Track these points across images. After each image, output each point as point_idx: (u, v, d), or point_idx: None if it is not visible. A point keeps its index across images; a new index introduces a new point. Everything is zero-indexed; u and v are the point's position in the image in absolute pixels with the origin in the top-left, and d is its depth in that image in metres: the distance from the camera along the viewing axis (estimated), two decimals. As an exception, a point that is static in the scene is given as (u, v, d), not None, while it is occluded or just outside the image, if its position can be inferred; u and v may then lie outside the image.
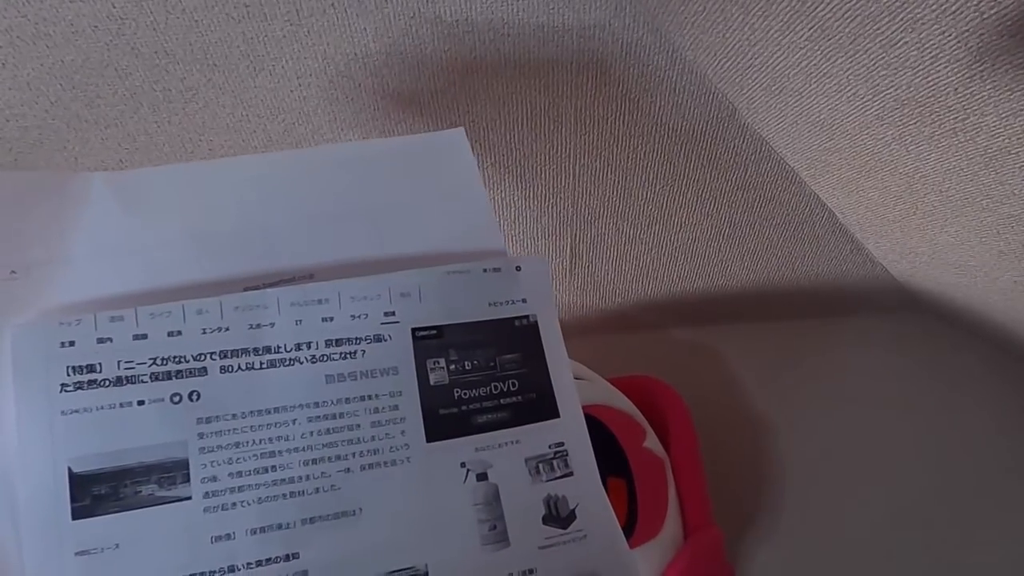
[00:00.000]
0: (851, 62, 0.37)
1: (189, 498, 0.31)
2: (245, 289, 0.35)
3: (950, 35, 0.32)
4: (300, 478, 0.32)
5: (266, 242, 0.37)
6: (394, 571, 0.32)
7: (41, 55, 0.43)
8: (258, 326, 0.34)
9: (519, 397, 0.36)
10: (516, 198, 0.56)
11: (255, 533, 0.31)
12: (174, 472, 0.31)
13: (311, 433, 0.33)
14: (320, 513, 0.32)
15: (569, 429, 0.36)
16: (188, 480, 0.31)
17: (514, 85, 0.48)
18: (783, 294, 0.67)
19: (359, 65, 0.46)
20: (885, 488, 0.65)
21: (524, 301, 0.38)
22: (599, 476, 0.36)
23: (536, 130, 0.51)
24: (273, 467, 0.32)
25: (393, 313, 0.36)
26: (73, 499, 0.30)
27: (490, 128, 0.51)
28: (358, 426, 0.33)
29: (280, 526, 0.31)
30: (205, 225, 0.37)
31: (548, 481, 0.35)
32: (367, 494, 0.33)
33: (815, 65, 0.39)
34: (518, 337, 0.37)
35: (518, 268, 0.38)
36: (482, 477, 0.34)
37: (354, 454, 0.33)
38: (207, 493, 0.31)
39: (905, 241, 0.55)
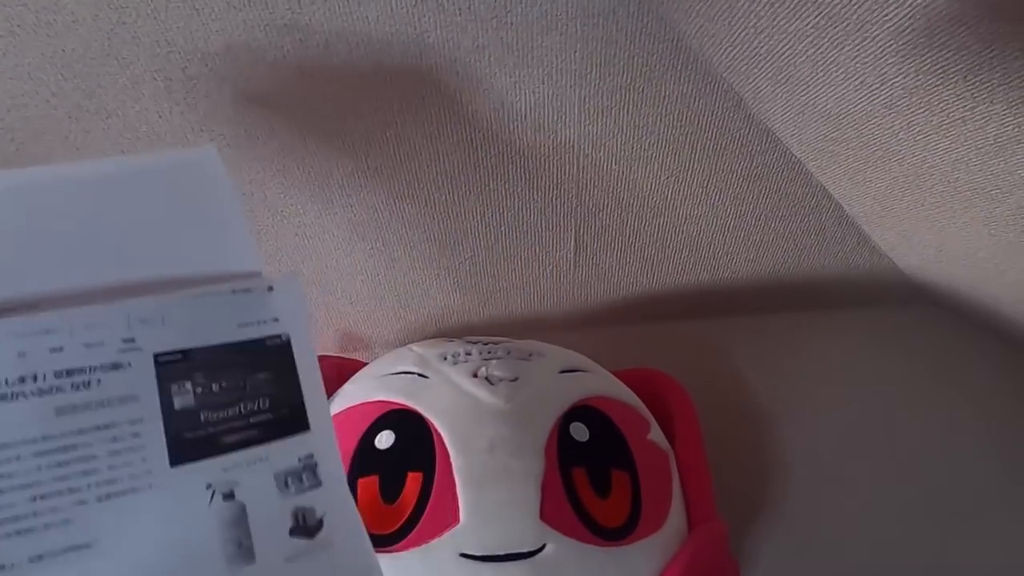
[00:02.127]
0: (858, 50, 0.37)
1: None
2: None
3: (959, 22, 0.31)
4: (26, 515, 0.30)
5: None
6: None
7: (42, 44, 0.43)
8: None
9: (270, 415, 0.36)
10: (520, 188, 0.56)
11: None
12: None
13: (39, 468, 0.31)
14: (48, 549, 0.30)
15: (319, 441, 0.36)
16: None
17: (517, 75, 0.48)
18: (788, 286, 0.66)
19: (364, 55, 0.46)
20: (890, 481, 0.64)
21: (276, 320, 0.37)
22: (347, 484, 0.36)
23: (539, 121, 0.51)
24: None
25: (133, 340, 0.34)
26: None
27: (492, 119, 0.51)
28: (94, 456, 0.32)
29: (3, 567, 0.30)
30: None
31: (297, 494, 0.35)
32: (103, 525, 0.31)
33: (822, 53, 0.39)
34: (269, 356, 0.37)
35: (270, 288, 0.38)
36: (228, 496, 0.34)
37: (89, 485, 0.32)
38: None
39: (912, 233, 0.55)
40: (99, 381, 0.33)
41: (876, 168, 0.47)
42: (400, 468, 0.46)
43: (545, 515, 0.44)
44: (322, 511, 0.35)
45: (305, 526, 0.35)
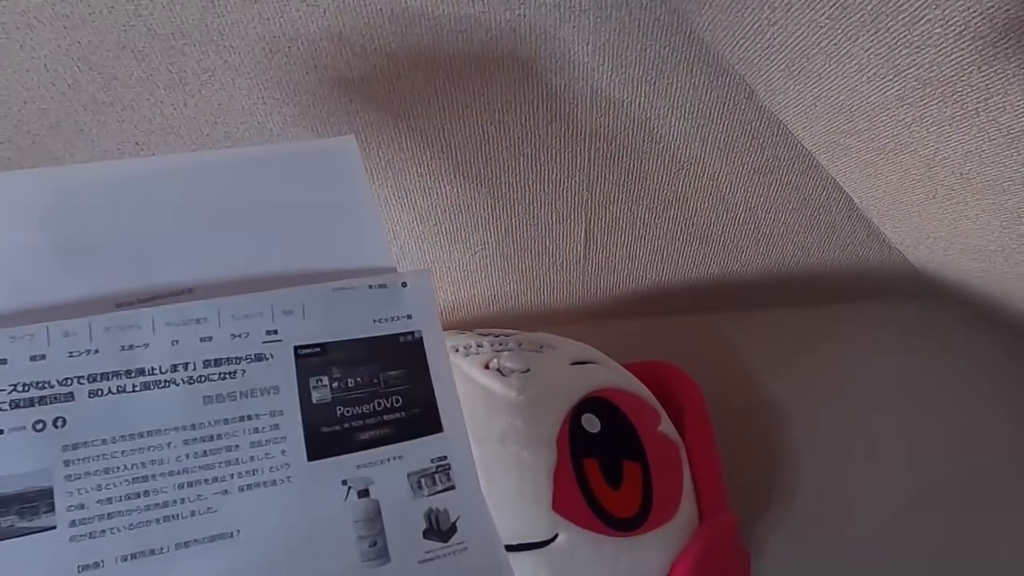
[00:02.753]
0: (872, 41, 0.37)
1: (54, 527, 0.30)
2: (117, 307, 0.34)
3: (975, 11, 0.31)
4: (175, 501, 0.32)
5: (140, 255, 0.36)
6: None
7: (58, 36, 0.43)
8: (131, 347, 0.33)
9: (403, 413, 0.36)
10: (530, 181, 0.56)
11: (126, 560, 0.30)
12: (37, 501, 0.30)
13: (187, 456, 0.32)
14: (195, 536, 0.31)
15: (452, 443, 0.36)
16: (53, 509, 0.30)
17: (530, 67, 0.48)
18: (799, 280, 0.66)
19: (374, 46, 0.46)
20: (900, 474, 0.64)
21: (409, 317, 0.38)
22: (480, 487, 0.36)
23: (551, 112, 0.51)
24: (146, 492, 0.31)
25: (276, 331, 0.35)
26: None
27: (505, 111, 0.51)
28: (237, 447, 0.33)
29: (153, 551, 0.31)
30: (73, 235, 0.35)
31: (430, 495, 0.35)
32: (245, 515, 0.32)
33: (835, 45, 0.39)
34: (403, 353, 0.37)
35: (404, 284, 0.38)
36: (363, 494, 0.34)
37: (232, 475, 0.32)
38: (73, 521, 0.30)
39: (923, 226, 0.55)
40: (244, 372, 0.34)
41: (888, 160, 0.47)
42: (413, 458, 0.46)
43: (557, 505, 0.44)
44: (456, 514, 0.35)
45: (439, 529, 0.35)
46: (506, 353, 0.51)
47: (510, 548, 0.43)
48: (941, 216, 0.51)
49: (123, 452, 0.32)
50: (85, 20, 0.42)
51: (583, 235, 0.60)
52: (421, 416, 0.36)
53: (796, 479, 0.64)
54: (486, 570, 0.35)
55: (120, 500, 0.31)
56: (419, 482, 0.35)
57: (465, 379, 0.50)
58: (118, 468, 0.31)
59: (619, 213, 0.59)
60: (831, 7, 0.36)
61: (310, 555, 0.32)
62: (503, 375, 0.49)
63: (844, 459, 0.65)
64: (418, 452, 0.36)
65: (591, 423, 0.49)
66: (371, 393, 0.36)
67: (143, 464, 0.32)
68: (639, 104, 0.51)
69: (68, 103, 0.46)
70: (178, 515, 0.31)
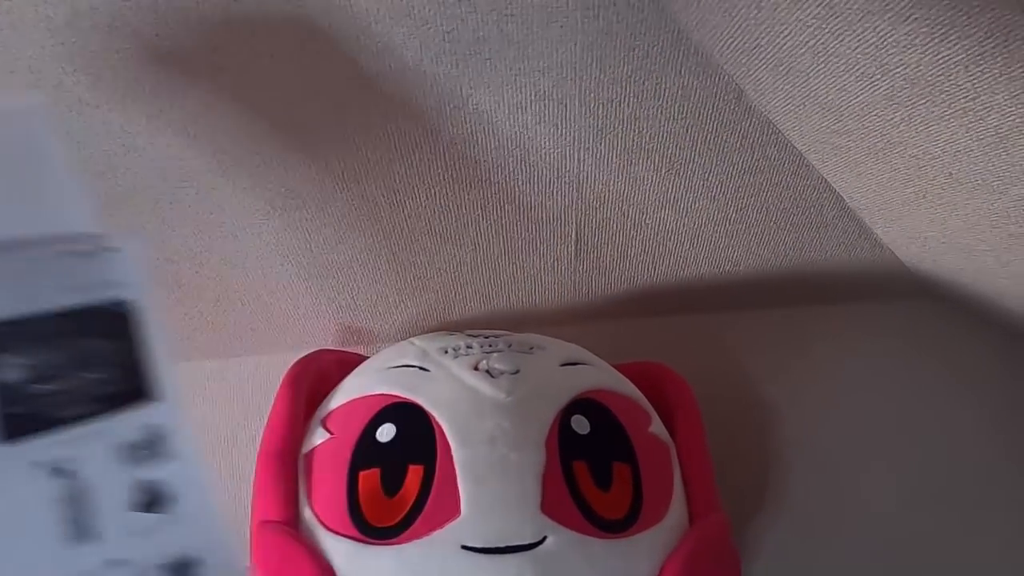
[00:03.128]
0: (859, 40, 0.37)
1: None
2: None
3: (961, 11, 0.31)
4: None
5: None
6: None
7: (42, 38, 0.43)
8: None
9: (111, 386, 0.34)
10: (520, 181, 0.55)
11: None
12: None
13: None
14: None
15: (167, 412, 0.35)
16: None
17: (517, 67, 0.48)
18: (790, 280, 0.66)
19: (361, 45, 0.46)
20: (892, 475, 0.64)
21: (117, 284, 0.35)
22: (198, 456, 0.35)
23: (540, 114, 0.51)
24: None
25: None
26: None
27: (494, 111, 0.50)
28: None
29: None
30: None
31: (143, 467, 0.34)
32: None
33: (823, 44, 0.39)
34: (110, 323, 0.35)
35: (110, 249, 0.35)
36: (66, 474, 0.32)
37: None
38: None
39: (914, 225, 0.55)
40: None
41: (877, 160, 0.47)
42: (401, 461, 0.46)
43: (546, 507, 0.44)
44: (171, 485, 0.34)
45: (151, 500, 0.33)
46: (495, 354, 0.51)
47: (498, 551, 0.43)
48: (931, 215, 0.51)
49: None
50: (69, 22, 0.42)
51: (574, 235, 0.60)
52: (133, 387, 0.34)
53: (788, 479, 0.64)
54: (202, 539, 0.34)
55: None
56: (130, 454, 0.33)
57: (454, 380, 0.50)
58: None
59: (610, 213, 0.59)
60: (817, 6, 0.36)
61: (6, 543, 0.30)
62: (492, 376, 0.49)
63: (836, 459, 0.65)
64: (128, 424, 0.34)
65: (581, 425, 0.49)
66: (73, 368, 0.33)
67: None
68: (628, 104, 0.51)
69: (53, 105, 0.46)
70: None
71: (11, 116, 0.35)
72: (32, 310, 0.33)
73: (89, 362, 0.34)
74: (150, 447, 0.34)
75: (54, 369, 0.33)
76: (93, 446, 0.33)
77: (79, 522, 0.32)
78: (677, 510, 0.50)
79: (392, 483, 0.46)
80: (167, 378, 0.35)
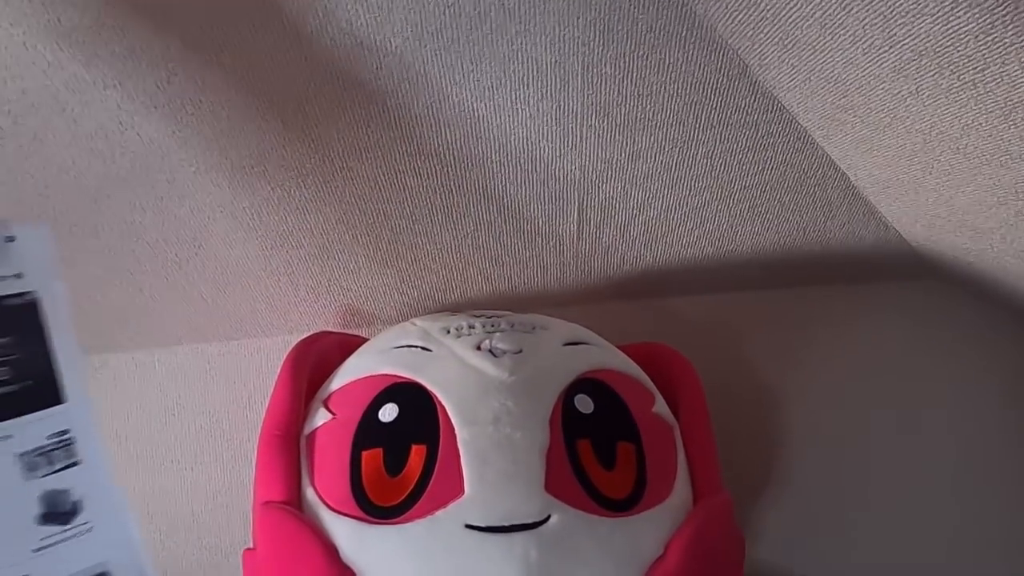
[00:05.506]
0: (867, 11, 0.36)
1: None
2: None
3: (972, -23, 0.31)
4: None
5: None
6: None
7: (36, 13, 0.42)
8: None
9: (13, 386, 0.32)
10: (523, 160, 0.55)
11: None
12: None
13: None
14: None
15: (74, 414, 0.33)
16: None
17: (519, 42, 0.47)
18: (794, 260, 0.66)
19: (360, 21, 0.45)
20: (896, 455, 0.64)
21: (19, 276, 0.33)
22: (108, 462, 0.33)
23: (542, 90, 0.50)
24: None
25: None
26: None
27: (496, 88, 0.50)
28: None
29: None
30: None
31: (47, 475, 0.31)
32: None
33: (829, 15, 0.38)
34: (11, 318, 0.32)
35: (10, 238, 0.33)
36: None
37: None
38: None
39: (920, 203, 0.54)
40: None
41: (883, 135, 0.47)
42: (404, 441, 0.46)
43: (550, 486, 0.44)
44: (79, 493, 0.32)
45: (58, 512, 0.31)
46: (498, 334, 0.51)
47: (502, 529, 0.43)
48: (938, 192, 0.50)
49: None
50: None
51: (576, 215, 0.60)
52: (35, 388, 0.32)
53: (791, 459, 0.64)
54: (113, 548, 0.32)
55: None
56: (33, 462, 0.31)
57: (457, 361, 0.49)
58: None
59: (612, 193, 0.58)
60: (825, -24, 0.35)
61: None
62: (495, 356, 0.49)
63: (840, 439, 0.65)
64: (32, 428, 0.32)
65: (584, 404, 0.48)
66: None
67: None
68: (631, 80, 0.50)
69: (49, 82, 0.46)
70: None
71: None
72: None
73: None
74: (57, 453, 0.32)
75: None
76: None
77: None
78: (681, 490, 0.50)
79: (395, 463, 0.45)
80: (73, 377, 0.33)
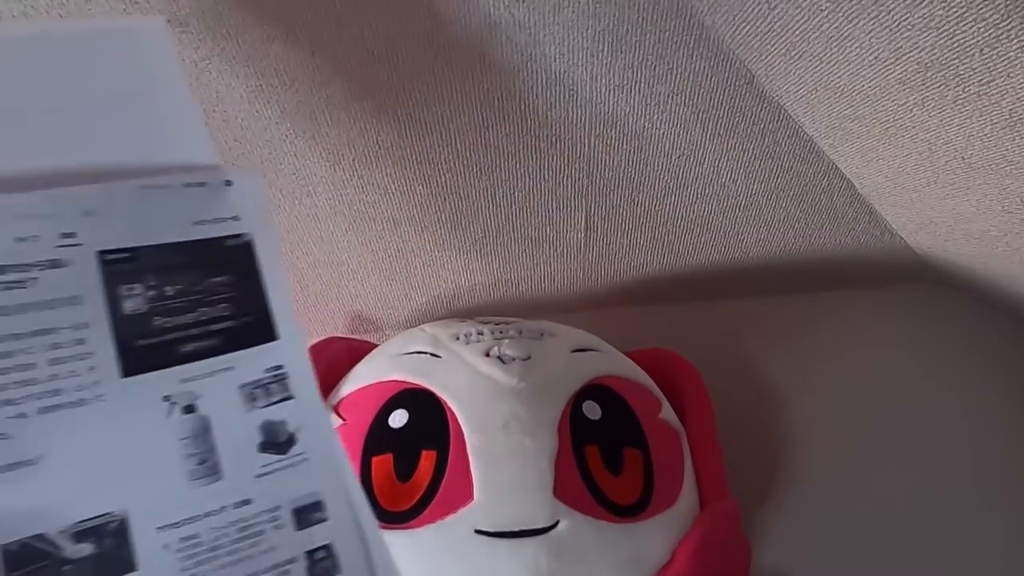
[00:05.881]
0: (874, 24, 0.36)
1: None
2: None
3: (977, -7, 0.31)
4: None
5: None
6: (83, 520, 0.29)
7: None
8: None
9: (232, 322, 0.33)
10: (531, 168, 0.55)
11: None
12: None
13: None
14: None
15: (288, 351, 0.34)
16: None
17: (528, 52, 0.48)
18: (800, 266, 0.66)
19: (372, 32, 0.45)
20: (902, 461, 0.64)
21: (236, 219, 0.34)
22: (320, 396, 0.34)
23: (550, 100, 0.51)
24: None
25: (73, 234, 0.31)
26: None
27: (505, 97, 0.50)
28: (33, 365, 0.29)
29: None
30: None
31: (265, 407, 0.33)
32: (49, 440, 0.29)
33: (836, 28, 0.38)
34: (229, 258, 0.34)
35: (228, 182, 0.34)
36: (189, 410, 0.31)
37: (29, 397, 0.29)
38: None
39: (925, 211, 0.54)
40: (35, 280, 0.30)
41: (889, 145, 0.47)
42: (414, 446, 0.47)
43: (558, 492, 0.45)
44: (294, 425, 0.33)
45: (275, 441, 0.33)
46: (507, 341, 0.51)
47: (511, 535, 0.43)
48: (943, 201, 0.51)
49: None
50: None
51: (583, 223, 0.60)
52: (252, 324, 0.34)
53: (798, 466, 0.64)
54: (329, 481, 0.33)
55: None
56: (252, 394, 0.33)
57: (466, 367, 0.50)
58: None
59: (620, 200, 0.59)
60: (832, -10, 0.36)
61: (131, 478, 0.30)
62: (504, 363, 0.49)
63: (845, 445, 0.65)
64: (250, 362, 0.33)
65: (592, 410, 0.49)
66: (194, 301, 0.33)
67: None
68: (639, 90, 0.51)
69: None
70: None
71: (133, 35, 0.34)
72: (152, 241, 0.33)
73: (209, 297, 0.33)
74: (273, 387, 0.33)
75: (175, 302, 0.32)
76: (215, 384, 0.32)
77: (203, 460, 0.31)
78: (688, 496, 0.50)
79: (405, 468, 0.46)
80: (285, 316, 0.34)
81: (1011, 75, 0.35)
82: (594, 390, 0.50)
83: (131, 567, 0.29)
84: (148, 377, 0.31)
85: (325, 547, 0.32)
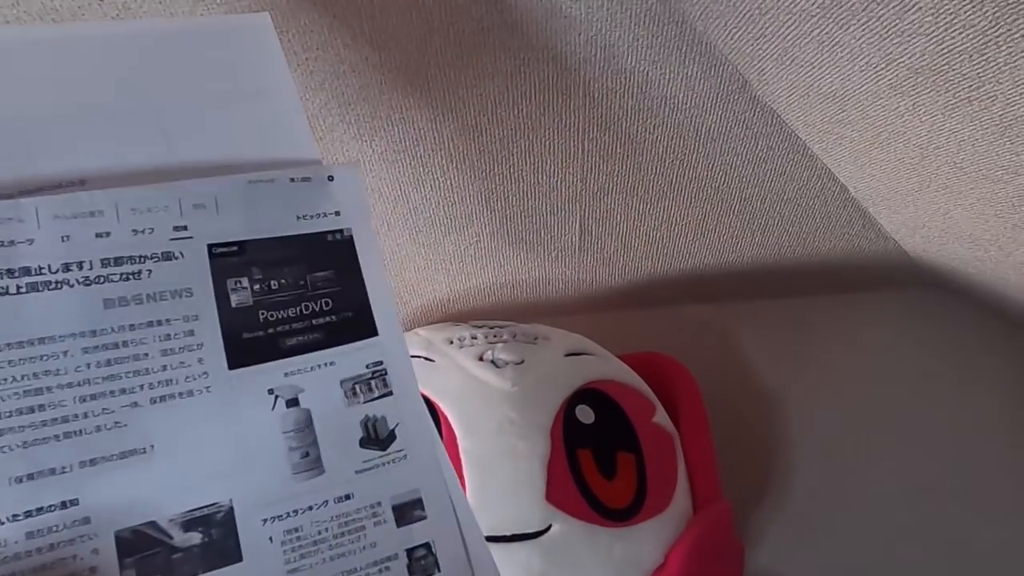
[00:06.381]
0: (864, 30, 0.37)
1: None
2: None
3: (965, 0, 0.31)
4: (76, 416, 0.29)
5: (21, 139, 0.31)
6: (192, 509, 0.29)
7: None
8: (12, 243, 0.29)
9: (333, 316, 0.34)
10: (525, 173, 0.56)
11: (21, 481, 0.28)
12: None
13: (88, 365, 0.29)
14: (102, 454, 0.29)
15: (388, 347, 0.34)
16: None
17: (521, 57, 0.48)
18: (794, 270, 0.66)
19: (366, 38, 0.46)
20: (896, 464, 0.64)
21: (337, 214, 0.35)
22: (419, 393, 0.34)
23: (544, 104, 0.51)
24: (41, 406, 0.28)
25: (185, 227, 0.32)
26: None
27: (498, 102, 0.50)
28: (146, 355, 0.30)
29: (53, 471, 0.28)
30: None
31: (366, 402, 0.33)
32: (160, 430, 0.30)
33: (827, 33, 0.39)
34: (331, 253, 0.34)
35: (330, 178, 0.35)
36: (293, 403, 0.32)
37: (142, 386, 0.30)
38: None
39: (918, 215, 0.55)
40: (150, 272, 0.31)
41: (881, 149, 0.47)
42: (407, 450, 0.47)
43: (551, 496, 0.45)
44: (394, 421, 0.33)
45: (376, 437, 0.33)
46: (500, 345, 0.52)
47: (504, 539, 0.43)
48: (935, 205, 0.51)
49: (10, 362, 0.28)
50: (75, 13, 0.42)
51: (577, 226, 0.60)
52: (353, 320, 0.34)
53: (792, 469, 0.64)
54: (428, 478, 0.33)
55: (11, 416, 0.28)
56: (353, 389, 0.33)
57: (459, 371, 0.50)
58: (7, 380, 0.28)
59: (613, 204, 0.59)
60: (822, -4, 0.36)
61: (236, 469, 0.30)
62: (497, 367, 0.50)
63: (839, 449, 0.65)
64: (351, 358, 0.33)
65: (585, 414, 0.49)
66: (297, 296, 0.33)
67: (35, 375, 0.29)
68: (632, 94, 0.51)
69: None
70: (81, 431, 0.29)
71: (240, 30, 0.35)
72: (258, 235, 0.33)
73: (311, 291, 0.34)
74: (373, 383, 0.34)
75: (279, 296, 0.33)
76: (318, 378, 0.33)
77: (306, 454, 0.32)
78: (681, 499, 0.51)
79: (398, 472, 0.46)
80: (385, 312, 0.35)
81: (1000, 81, 0.35)
82: (587, 394, 0.50)
83: (237, 557, 0.29)
84: (253, 370, 0.32)
85: (425, 545, 0.32)
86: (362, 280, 0.35)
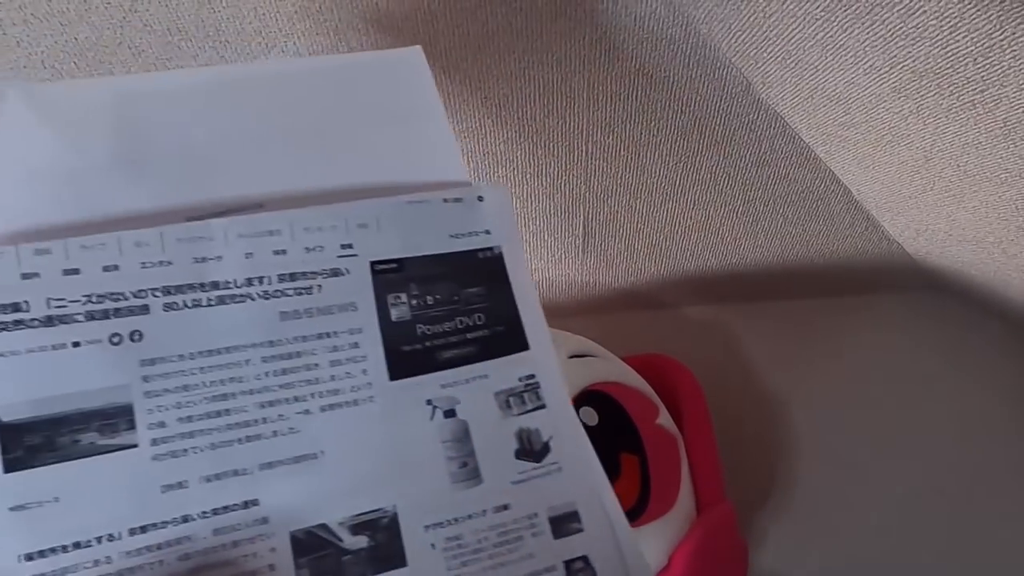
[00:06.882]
0: (868, 33, 0.37)
1: (135, 446, 0.29)
2: (187, 220, 0.33)
3: (969, 3, 0.31)
4: (256, 421, 0.31)
5: (207, 168, 0.34)
6: (360, 514, 0.31)
7: (55, 32, 0.43)
8: (204, 260, 0.32)
9: (485, 331, 0.35)
10: (528, 176, 0.56)
11: (209, 480, 0.30)
12: (117, 419, 0.29)
13: (266, 374, 0.31)
14: (279, 457, 0.31)
15: (539, 361, 0.35)
16: (133, 427, 0.29)
17: (526, 60, 0.48)
18: (797, 272, 0.66)
19: (370, 42, 0.46)
20: (900, 467, 0.64)
21: (488, 232, 0.36)
22: (572, 406, 0.35)
23: (548, 107, 0.51)
24: (226, 411, 0.30)
25: (351, 246, 0.34)
26: (4, 451, 0.28)
27: (502, 105, 0.51)
28: (316, 365, 0.32)
29: (236, 472, 0.30)
30: (139, 146, 0.34)
31: (519, 415, 0.34)
32: (329, 436, 0.31)
33: (831, 37, 0.39)
34: (482, 269, 0.36)
35: (480, 198, 0.37)
36: (450, 414, 0.33)
37: (313, 395, 0.32)
38: (155, 440, 0.29)
39: (921, 218, 0.55)
40: (320, 287, 0.33)
41: (885, 152, 0.47)
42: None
43: (555, 498, 0.45)
44: (548, 434, 0.34)
45: (531, 449, 0.33)
46: (504, 347, 0.52)
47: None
48: (939, 208, 0.51)
49: (201, 369, 0.31)
50: (82, 15, 0.42)
51: (581, 228, 0.60)
52: (505, 334, 0.35)
53: (795, 471, 0.64)
54: (583, 491, 0.33)
55: (200, 419, 0.30)
56: (507, 401, 0.34)
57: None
58: (197, 385, 0.30)
59: (617, 207, 0.59)
60: (826, -1, 0.36)
61: (398, 476, 0.31)
62: (501, 369, 0.49)
63: (842, 450, 0.65)
64: (504, 371, 0.34)
65: (589, 416, 0.49)
66: (451, 311, 0.35)
67: (222, 382, 0.31)
68: (636, 97, 0.51)
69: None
70: (260, 435, 0.31)
71: (396, 62, 0.38)
72: (415, 252, 0.35)
73: (465, 306, 0.35)
74: (526, 395, 0.34)
75: (434, 310, 0.34)
76: (472, 390, 0.34)
77: (464, 464, 0.32)
78: (685, 501, 0.51)
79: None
80: (535, 326, 0.35)
81: (1004, 84, 0.35)
82: (591, 396, 0.50)
83: (402, 562, 0.30)
84: (412, 381, 0.33)
85: (583, 558, 0.32)
86: (512, 295, 0.36)
